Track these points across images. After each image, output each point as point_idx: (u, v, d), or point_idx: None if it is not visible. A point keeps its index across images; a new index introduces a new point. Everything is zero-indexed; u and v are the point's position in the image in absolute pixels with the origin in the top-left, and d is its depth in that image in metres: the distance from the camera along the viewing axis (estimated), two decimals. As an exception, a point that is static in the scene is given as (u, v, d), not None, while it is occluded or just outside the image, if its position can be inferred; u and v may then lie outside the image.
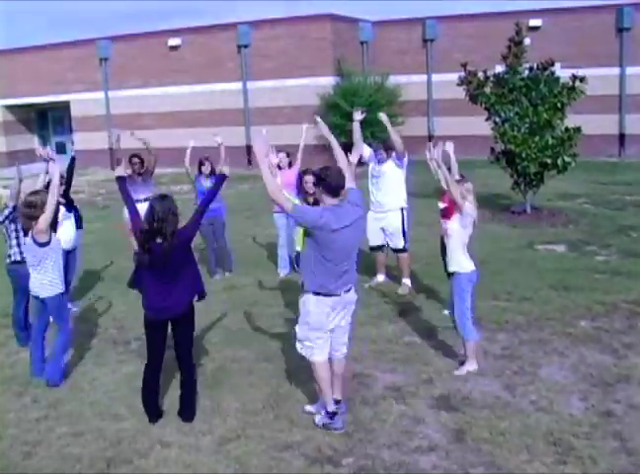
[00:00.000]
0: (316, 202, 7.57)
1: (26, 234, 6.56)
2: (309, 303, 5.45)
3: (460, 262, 6.53)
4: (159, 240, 5.48)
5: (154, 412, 5.79)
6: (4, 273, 7.63)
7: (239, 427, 5.60)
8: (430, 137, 26.04)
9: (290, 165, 10.22)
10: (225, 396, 6.16)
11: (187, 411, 5.79)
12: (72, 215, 8.59)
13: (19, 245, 7.21)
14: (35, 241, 6.40)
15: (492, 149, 14.25)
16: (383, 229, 9.25)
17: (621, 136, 24.11)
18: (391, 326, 7.86)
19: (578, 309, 8.12)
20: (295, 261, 7.80)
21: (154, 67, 27.22)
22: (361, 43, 26.68)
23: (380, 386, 6.24)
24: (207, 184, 9.73)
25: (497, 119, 13.91)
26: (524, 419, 5.53)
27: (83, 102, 28.91)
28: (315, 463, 5.03)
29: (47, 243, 6.44)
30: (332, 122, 24.41)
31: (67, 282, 8.52)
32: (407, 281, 9.26)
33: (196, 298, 6.12)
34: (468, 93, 14.04)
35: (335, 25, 25.27)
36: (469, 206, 6.48)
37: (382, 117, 9.06)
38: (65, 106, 29.60)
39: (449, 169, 7.16)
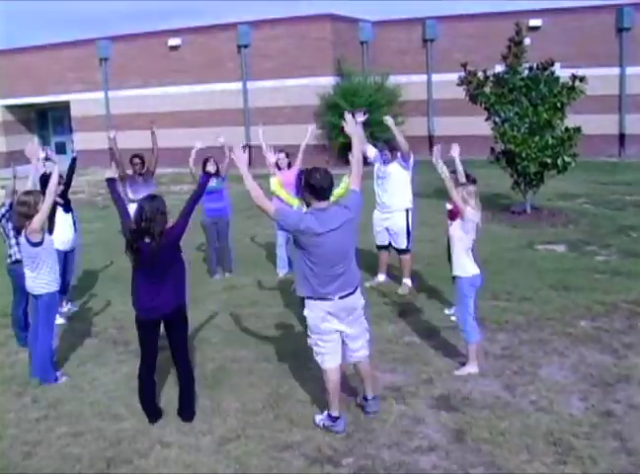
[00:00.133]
0: None
1: (19, 233, 6.56)
2: (305, 307, 5.47)
3: (464, 266, 6.50)
4: (147, 240, 5.49)
5: (152, 412, 5.79)
6: (4, 272, 7.63)
7: (239, 427, 5.60)
8: (430, 137, 26.08)
9: (290, 165, 10.21)
10: (225, 396, 6.15)
11: (186, 411, 5.79)
12: (70, 216, 8.59)
13: (18, 244, 7.21)
14: (28, 240, 6.41)
15: (492, 149, 14.25)
16: (388, 229, 9.26)
17: (621, 136, 24.12)
18: (391, 326, 7.86)
19: (578, 309, 8.11)
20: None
21: (154, 67, 27.23)
22: (361, 43, 26.69)
23: (380, 386, 6.23)
24: (212, 183, 9.72)
25: (497, 119, 13.91)
26: (524, 419, 5.53)
27: (83, 102, 28.92)
28: (315, 463, 5.03)
29: (40, 243, 6.44)
30: (332, 122, 24.46)
31: (66, 283, 8.52)
32: (407, 282, 9.26)
33: None
34: (468, 93, 14.04)
35: (335, 25, 25.28)
36: (471, 212, 6.43)
37: (388, 120, 8.99)
38: (65, 106, 29.61)
39: (454, 172, 7.14)
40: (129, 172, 10.99)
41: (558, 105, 13.33)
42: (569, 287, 8.93)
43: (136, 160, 10.49)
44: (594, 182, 17.65)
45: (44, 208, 6.36)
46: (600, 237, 11.80)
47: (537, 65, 13.54)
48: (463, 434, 5.33)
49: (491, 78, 13.94)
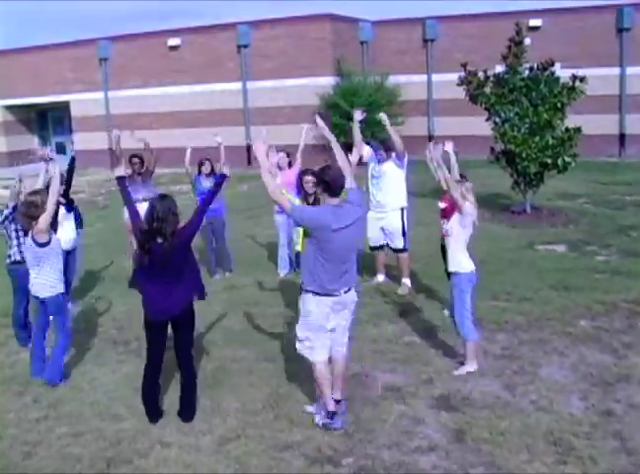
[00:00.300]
0: (316, 202, 7.59)
1: (26, 234, 6.55)
2: (309, 303, 5.45)
3: (461, 261, 6.52)
4: (159, 240, 5.48)
5: (154, 412, 5.79)
6: (4, 272, 7.63)
7: (239, 427, 5.60)
8: (430, 137, 26.05)
9: (290, 165, 10.22)
10: (225, 396, 6.16)
11: (187, 411, 5.79)
12: (72, 215, 8.59)
13: (19, 245, 7.22)
14: (34, 241, 6.39)
15: (492, 149, 14.25)
16: (383, 229, 9.25)
17: (621, 136, 24.11)
18: (391, 326, 7.86)
19: (578, 309, 8.11)
20: (296, 261, 7.81)
21: (154, 67, 27.23)
22: (361, 43, 26.69)
23: (380, 386, 6.24)
24: (207, 184, 9.73)
25: (497, 120, 13.91)
26: (525, 419, 5.53)
27: (83, 102, 28.93)
28: (315, 463, 5.03)
29: (47, 243, 6.42)
30: (332, 122, 24.46)
31: (67, 283, 8.52)
32: (407, 281, 9.25)
33: (196, 298, 6.11)
34: (468, 93, 14.04)
35: (335, 25, 25.29)
36: (469, 206, 6.48)
37: (382, 116, 9.06)
38: (65, 106, 29.61)
39: (449, 169, 7.16)
40: (128, 171, 10.96)
41: (558, 105, 13.34)
42: (569, 287, 8.93)
43: (135, 160, 10.48)
44: (594, 182, 17.65)
45: (49, 209, 6.36)
46: (601, 237, 11.80)
47: (538, 65, 13.54)
48: (463, 434, 5.33)
49: (491, 78, 13.94)
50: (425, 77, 26.04)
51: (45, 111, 31.38)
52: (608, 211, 14.01)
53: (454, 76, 14.39)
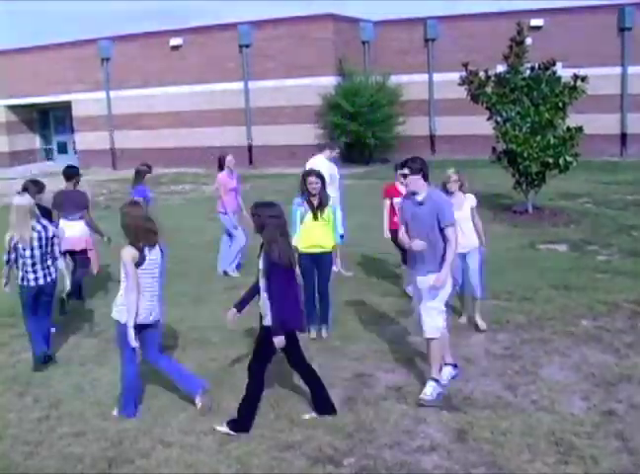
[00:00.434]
0: (321, 204, 7.53)
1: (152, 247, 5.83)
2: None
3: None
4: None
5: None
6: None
7: (240, 426, 5.59)
8: (431, 137, 26.09)
9: None
10: (225, 396, 6.15)
11: (320, 405, 5.77)
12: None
13: (45, 269, 7.01)
14: (162, 251, 5.93)
15: (493, 149, 14.23)
16: None
17: (623, 136, 24.12)
18: (392, 326, 7.85)
19: (579, 309, 8.11)
20: (298, 261, 7.72)
21: (155, 67, 27.27)
22: (363, 43, 26.72)
23: (382, 386, 6.24)
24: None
25: (498, 119, 13.90)
26: (526, 418, 5.53)
27: (85, 102, 28.97)
28: (317, 463, 5.02)
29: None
30: (333, 122, 24.48)
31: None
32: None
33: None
34: (469, 92, 14.03)
35: (336, 25, 25.31)
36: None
37: None
38: (67, 106, 29.66)
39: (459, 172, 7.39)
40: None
41: (560, 104, 13.33)
42: (570, 287, 8.92)
43: None
44: (595, 181, 17.64)
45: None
46: (602, 237, 11.80)
47: (539, 65, 13.53)
48: (465, 434, 5.32)
49: (492, 78, 13.94)
50: (426, 77, 26.06)
51: (47, 110, 31.43)
52: (610, 211, 14.00)
53: (456, 76, 14.39)
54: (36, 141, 32.25)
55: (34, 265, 6.88)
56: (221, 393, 6.21)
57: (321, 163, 9.98)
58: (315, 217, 7.53)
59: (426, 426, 5.50)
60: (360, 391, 6.15)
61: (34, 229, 6.83)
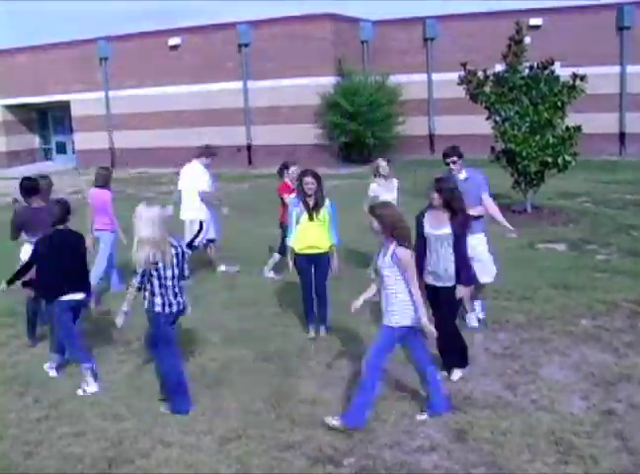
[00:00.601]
0: (317, 205, 7.52)
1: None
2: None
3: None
4: None
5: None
6: (5, 270, 7.58)
7: (240, 427, 5.60)
8: (430, 136, 26.08)
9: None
10: (225, 396, 6.15)
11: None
12: None
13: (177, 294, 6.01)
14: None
15: (492, 148, 14.24)
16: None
17: (622, 135, 24.13)
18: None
19: (578, 308, 8.11)
20: (295, 262, 7.71)
21: (154, 67, 27.26)
22: (362, 43, 26.71)
23: (381, 386, 6.23)
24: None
25: (497, 118, 13.91)
26: (526, 418, 5.53)
27: (83, 101, 28.95)
28: (317, 463, 5.03)
29: None
30: (332, 122, 24.49)
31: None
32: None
33: None
34: (468, 92, 14.04)
35: (335, 24, 25.31)
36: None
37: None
38: (65, 106, 29.64)
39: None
40: None
41: (558, 104, 13.33)
42: (569, 286, 8.92)
43: None
44: (594, 181, 17.65)
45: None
46: (601, 236, 11.80)
47: (538, 64, 13.53)
48: (465, 434, 5.33)
49: (491, 77, 13.94)
50: (425, 76, 26.06)
51: (46, 110, 31.41)
52: (609, 210, 14.01)
53: (455, 75, 14.39)
54: (34, 141, 32.23)
55: (174, 287, 5.92)
56: (221, 393, 6.22)
57: (194, 169, 10.12)
58: (311, 218, 7.51)
59: (425, 426, 5.51)
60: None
61: (171, 244, 5.90)
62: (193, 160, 10.39)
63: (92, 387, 6.38)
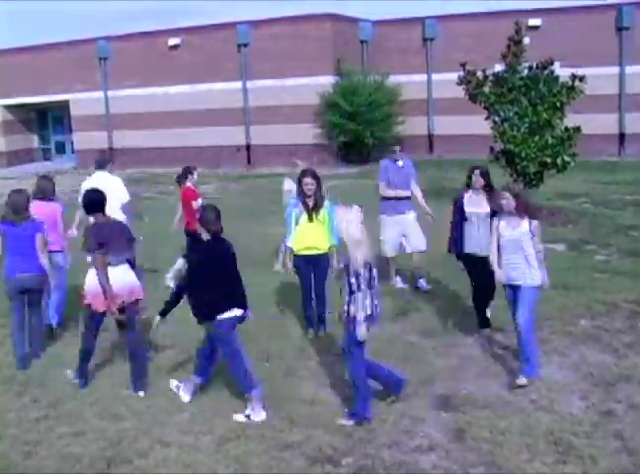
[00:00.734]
0: (316, 205, 7.50)
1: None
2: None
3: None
4: None
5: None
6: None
7: (239, 426, 5.59)
8: (430, 136, 26.10)
9: None
10: (225, 396, 6.15)
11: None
12: None
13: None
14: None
15: (491, 148, 14.22)
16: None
17: (621, 136, 24.13)
18: (391, 325, 7.84)
19: (578, 308, 8.11)
20: (294, 263, 7.69)
21: (154, 67, 27.25)
22: (362, 43, 26.72)
23: (380, 386, 6.23)
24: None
25: (496, 119, 13.89)
26: (525, 418, 5.53)
27: (83, 101, 28.95)
28: (315, 463, 5.03)
29: None
30: (331, 121, 24.49)
31: None
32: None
33: None
34: (467, 92, 14.03)
35: (335, 24, 25.32)
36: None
37: None
38: (65, 105, 29.64)
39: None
40: None
41: (558, 104, 13.32)
42: (569, 287, 8.92)
43: None
44: (593, 181, 17.65)
45: None
46: (600, 236, 11.80)
47: (537, 65, 13.52)
48: (463, 434, 5.33)
49: (490, 77, 13.93)
50: (425, 76, 26.07)
51: (45, 110, 31.40)
52: (608, 211, 14.01)
53: (454, 75, 14.38)
54: (34, 141, 32.23)
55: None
56: (221, 393, 6.21)
57: (105, 180, 9.58)
58: (310, 219, 7.50)
59: (424, 425, 5.51)
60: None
61: None
62: (98, 171, 9.99)
63: (259, 415, 5.73)
